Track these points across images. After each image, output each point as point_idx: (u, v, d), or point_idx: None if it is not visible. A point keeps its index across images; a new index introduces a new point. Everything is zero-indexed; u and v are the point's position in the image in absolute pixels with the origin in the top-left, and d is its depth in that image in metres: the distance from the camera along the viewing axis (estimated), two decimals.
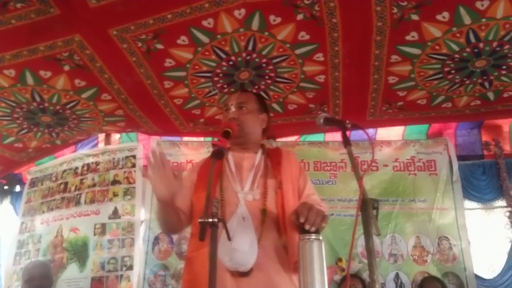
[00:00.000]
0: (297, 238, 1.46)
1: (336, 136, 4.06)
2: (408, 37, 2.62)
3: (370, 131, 4.11)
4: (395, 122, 3.91)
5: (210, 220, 1.22)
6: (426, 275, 3.54)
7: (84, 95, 3.18)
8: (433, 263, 3.66)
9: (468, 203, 3.91)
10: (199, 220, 1.21)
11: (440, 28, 2.52)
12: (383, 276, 3.64)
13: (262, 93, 3.28)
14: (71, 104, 3.29)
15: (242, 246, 1.35)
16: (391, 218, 3.82)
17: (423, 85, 3.17)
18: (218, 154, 1.38)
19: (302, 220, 1.27)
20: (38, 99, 3.18)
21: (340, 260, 3.68)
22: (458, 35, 2.56)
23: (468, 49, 2.71)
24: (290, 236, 1.46)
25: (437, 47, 2.69)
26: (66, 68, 2.85)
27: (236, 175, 1.58)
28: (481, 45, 2.66)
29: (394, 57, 2.82)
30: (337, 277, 3.59)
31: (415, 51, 2.75)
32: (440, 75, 3.03)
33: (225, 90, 3.18)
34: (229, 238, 1.30)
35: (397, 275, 3.65)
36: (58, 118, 3.50)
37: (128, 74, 2.93)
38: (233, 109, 1.65)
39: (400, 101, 3.40)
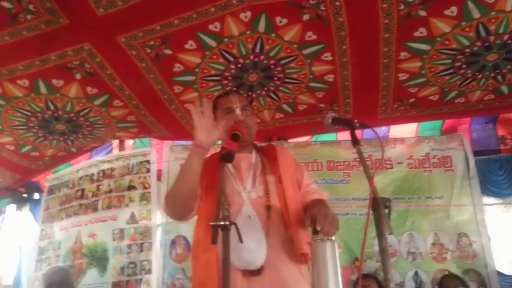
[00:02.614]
0: (301, 230, 1.49)
1: (349, 135, 4.01)
2: (416, 33, 2.59)
3: (383, 129, 4.08)
4: (408, 119, 3.86)
5: (222, 223, 1.23)
6: (446, 273, 3.49)
7: (96, 102, 3.23)
8: (452, 260, 3.60)
9: (486, 199, 3.83)
10: (211, 223, 1.22)
11: (449, 23, 2.48)
12: (401, 275, 3.60)
13: (272, 94, 3.30)
14: (84, 112, 3.35)
15: (249, 244, 1.35)
16: (408, 216, 3.77)
17: (434, 81, 3.13)
18: (227, 157, 1.38)
19: (318, 228, 1.27)
20: (52, 107, 3.25)
21: (356, 259, 3.65)
22: (467, 29, 2.52)
23: (478, 43, 2.66)
24: (295, 229, 1.48)
25: (446, 42, 2.65)
26: (78, 76, 2.90)
27: (236, 175, 1.59)
28: (491, 38, 2.61)
29: (403, 54, 2.79)
30: (354, 277, 3.56)
31: (424, 47, 2.72)
32: (451, 70, 2.98)
33: None
34: (241, 241, 1.30)
35: (416, 274, 3.61)
36: (72, 125, 3.57)
37: (138, 80, 2.96)
38: (238, 111, 1.65)
39: (411, 97, 3.36)
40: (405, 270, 3.61)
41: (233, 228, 1.22)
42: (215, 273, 1.39)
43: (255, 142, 1.78)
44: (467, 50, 2.73)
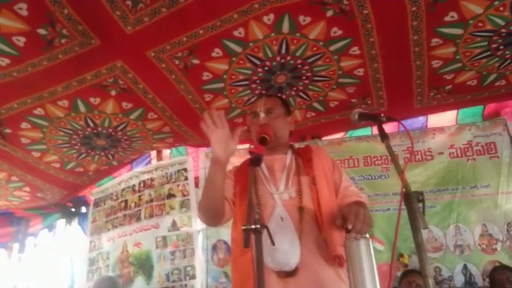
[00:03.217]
0: (335, 232, 1.46)
1: (385, 128, 3.93)
2: (447, 18, 2.49)
3: (420, 119, 3.95)
4: (446, 107, 3.71)
5: (253, 226, 1.25)
6: (497, 264, 3.33)
7: (132, 116, 3.34)
8: (503, 251, 3.43)
9: None
10: (243, 227, 1.24)
11: (481, 4, 2.37)
12: (450, 269, 3.47)
13: (301, 93, 3.28)
14: (122, 126, 3.48)
15: (282, 246, 1.36)
16: (453, 207, 3.63)
17: (470, 66, 3.00)
18: (256, 161, 1.40)
19: (349, 227, 1.26)
20: (91, 124, 3.40)
21: (401, 256, 3.56)
22: (501, 8, 2.40)
23: None
24: (328, 231, 1.46)
25: (480, 24, 2.54)
26: (113, 93, 3.02)
27: (269, 177, 1.60)
28: None
29: (435, 41, 2.70)
30: (399, 273, 3.47)
31: (457, 31, 2.61)
32: (488, 53, 2.85)
33: None
34: (273, 243, 1.31)
35: (465, 267, 3.46)
36: (111, 140, 3.71)
37: (170, 92, 3.04)
38: (262, 115, 1.67)
39: (448, 84, 3.24)
40: (453, 264, 3.48)
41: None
42: (251, 276, 1.40)
43: (292, 143, 1.78)
44: (503, 30, 2.60)
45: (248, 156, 1.61)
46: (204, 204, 1.56)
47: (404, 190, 1.18)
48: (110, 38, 2.48)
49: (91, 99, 3.08)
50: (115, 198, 4.64)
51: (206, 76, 2.90)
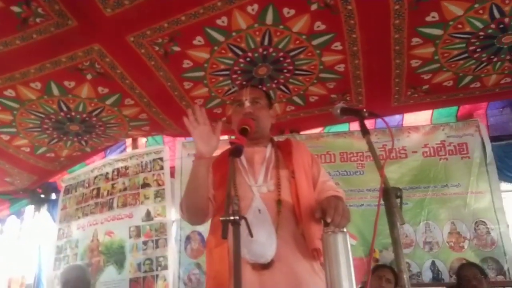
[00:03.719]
0: (313, 226, 1.46)
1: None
2: (428, 18, 2.52)
3: (397, 117, 4.02)
4: (422, 106, 3.78)
5: (232, 218, 1.23)
6: (464, 261, 3.43)
7: (108, 102, 3.25)
8: (470, 249, 3.54)
9: (504, 185, 3.75)
10: (221, 218, 1.22)
11: (461, 6, 2.41)
12: (419, 265, 3.56)
13: (282, 86, 3.27)
14: (97, 112, 3.38)
15: (259, 238, 1.34)
16: (424, 205, 3.72)
17: (448, 67, 3.06)
18: (236, 152, 1.38)
19: (328, 220, 1.26)
20: (65, 109, 3.29)
21: (374, 251, 3.62)
22: (481, 11, 2.45)
23: (493, 25, 2.58)
24: (306, 224, 1.46)
25: (459, 26, 2.59)
26: (89, 77, 2.93)
27: (248, 169, 1.58)
28: (506, 20, 2.53)
29: (415, 40, 2.74)
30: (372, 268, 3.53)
31: (437, 31, 2.65)
32: (466, 55, 2.91)
33: None
34: (251, 235, 1.30)
35: (433, 263, 3.56)
36: (85, 126, 3.61)
37: (149, 78, 2.98)
38: (247, 104, 1.65)
39: (425, 84, 3.29)
40: (423, 260, 3.57)
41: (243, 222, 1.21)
42: (227, 267, 1.39)
43: (272, 136, 1.77)
44: (481, 33, 2.66)
45: (228, 147, 1.59)
46: (187, 201, 1.53)
47: (383, 185, 1.18)
48: (88, 19, 2.39)
49: (66, 83, 2.98)
50: (87, 185, 4.54)
51: (186, 64, 2.85)
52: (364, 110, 1.33)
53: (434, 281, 3.50)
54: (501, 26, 2.60)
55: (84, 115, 3.42)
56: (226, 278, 1.38)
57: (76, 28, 2.42)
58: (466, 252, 3.53)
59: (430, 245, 3.62)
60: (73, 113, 3.38)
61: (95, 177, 4.50)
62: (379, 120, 3.73)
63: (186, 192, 1.52)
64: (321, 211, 1.31)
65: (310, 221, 1.47)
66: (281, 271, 1.40)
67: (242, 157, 1.59)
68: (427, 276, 3.52)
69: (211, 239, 1.56)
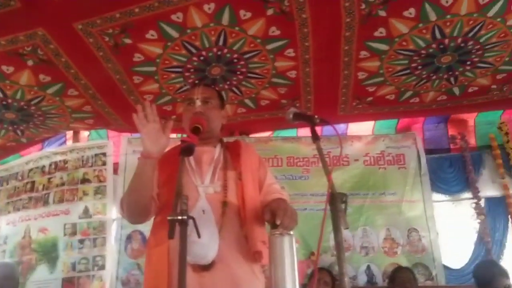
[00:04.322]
0: (257, 228, 1.48)
1: (309, 131, 4.07)
2: (376, 33, 2.65)
3: (341, 126, 4.17)
4: (365, 117, 3.97)
5: (180, 217, 1.21)
6: (396, 266, 3.62)
7: (50, 91, 3.08)
8: (403, 254, 3.75)
9: (436, 195, 4.02)
10: (169, 217, 1.20)
11: (407, 24, 2.56)
12: (354, 268, 3.71)
13: (234, 88, 3.28)
14: (36, 100, 3.19)
15: (201, 239, 1.33)
16: (362, 211, 3.89)
17: (391, 81, 3.23)
18: (187, 151, 1.36)
19: (278, 222, 1.27)
20: (0, 95, 3.07)
21: (313, 254, 3.72)
22: (424, 31, 2.62)
23: (434, 45, 2.77)
24: (250, 226, 1.47)
25: (404, 43, 2.74)
26: (30, 63, 2.75)
27: (196, 169, 1.55)
28: (446, 41, 2.72)
29: (363, 53, 2.86)
30: (310, 271, 3.63)
31: (383, 47, 2.79)
32: (408, 71, 3.09)
33: None
34: (198, 235, 1.29)
35: (368, 267, 3.73)
36: (22, 114, 3.39)
37: (96, 69, 2.85)
38: (199, 103, 1.62)
39: (369, 96, 3.45)
40: (358, 264, 3.73)
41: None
42: (166, 267, 1.36)
43: (222, 138, 1.76)
44: (423, 51, 2.84)
45: (176, 144, 1.56)
46: (129, 200, 1.48)
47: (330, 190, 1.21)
48: (33, 2, 2.24)
49: (4, 67, 2.79)
50: (20, 178, 4.26)
51: (137, 57, 2.77)
52: (316, 116, 1.36)
53: (368, 284, 3.66)
54: (441, 46, 2.79)
55: (22, 103, 3.21)
56: (165, 279, 1.35)
57: (19, 10, 2.26)
58: (399, 257, 3.74)
59: (366, 250, 3.78)
60: (9, 100, 3.16)
61: (30, 170, 4.23)
62: (325, 128, 3.84)
63: (128, 190, 1.48)
64: (270, 213, 1.32)
65: (253, 223, 1.47)
66: (221, 273, 1.39)
67: (190, 157, 1.57)
68: (361, 279, 3.68)
69: (151, 239, 1.52)
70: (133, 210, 1.51)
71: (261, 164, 1.71)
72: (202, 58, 2.84)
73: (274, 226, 1.28)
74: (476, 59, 2.97)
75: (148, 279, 1.48)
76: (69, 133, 4.24)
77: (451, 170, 4.06)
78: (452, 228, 3.97)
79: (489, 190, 3.98)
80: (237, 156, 1.63)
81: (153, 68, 2.91)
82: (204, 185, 1.52)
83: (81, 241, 3.81)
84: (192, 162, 1.57)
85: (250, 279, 1.45)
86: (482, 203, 3.91)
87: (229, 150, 1.67)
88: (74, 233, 3.83)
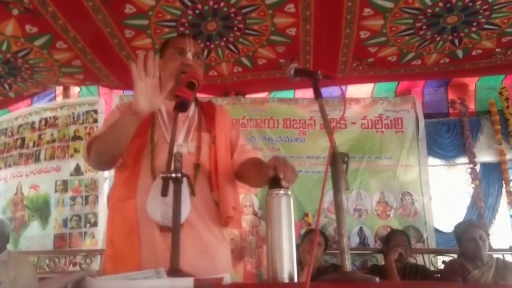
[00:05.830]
0: (229, 194, 1.45)
1: (306, 93, 4.00)
2: None
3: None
4: (365, 79, 3.88)
5: (174, 175, 1.15)
6: (388, 229, 3.65)
7: (37, 43, 2.94)
8: (395, 217, 3.77)
9: (431, 160, 4.00)
10: (162, 175, 1.14)
11: None
12: (347, 230, 3.70)
13: (231, 45, 3.15)
14: (23, 53, 3.05)
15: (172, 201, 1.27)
16: (357, 174, 3.87)
17: (394, 41, 3.12)
18: (181, 107, 1.28)
19: (281, 175, 1.21)
20: None
21: (306, 215, 3.74)
22: None
23: (440, 4, 2.66)
24: (222, 192, 1.43)
25: (410, 0, 2.62)
26: (15, 12, 2.61)
27: (169, 125, 1.45)
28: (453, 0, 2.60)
29: (367, 11, 2.74)
30: (303, 231, 3.65)
31: (388, 4, 2.67)
32: (412, 31, 2.98)
33: None
34: (193, 194, 1.23)
35: (361, 229, 3.76)
36: (9, 68, 3.26)
37: (85, 21, 2.71)
38: (190, 56, 1.52)
39: (370, 57, 3.35)
40: (351, 226, 3.75)
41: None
42: (135, 226, 1.32)
43: (197, 97, 1.66)
44: (429, 10, 2.72)
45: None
46: (100, 149, 1.38)
47: (331, 150, 1.16)
48: None
49: None
50: (9, 134, 4.19)
51: (129, 9, 2.63)
52: (319, 72, 1.28)
53: (361, 246, 3.70)
54: (448, 5, 2.67)
55: (8, 55, 3.07)
56: (136, 236, 1.31)
57: None
58: (391, 220, 3.76)
59: (360, 212, 3.80)
60: None
61: (20, 126, 4.15)
62: (323, 90, 3.75)
63: (103, 138, 1.37)
64: (272, 168, 1.25)
65: (225, 189, 1.43)
66: (190, 236, 1.34)
67: (163, 111, 1.47)
68: (354, 241, 3.72)
69: (117, 193, 1.44)
70: (101, 159, 1.42)
71: (233, 126, 1.65)
72: (197, 11, 2.70)
73: (273, 185, 1.23)
74: (482, 20, 2.86)
75: (111, 243, 1.41)
76: (59, 89, 4.12)
77: (449, 135, 4.03)
78: (446, 193, 3.98)
79: (485, 155, 3.98)
80: (212, 118, 1.56)
81: (146, 22, 2.77)
82: (177, 144, 1.41)
83: (73, 198, 3.79)
84: (165, 118, 1.47)
85: (218, 242, 1.43)
86: (478, 168, 3.91)
87: (204, 111, 1.58)
88: (65, 190, 3.81)
